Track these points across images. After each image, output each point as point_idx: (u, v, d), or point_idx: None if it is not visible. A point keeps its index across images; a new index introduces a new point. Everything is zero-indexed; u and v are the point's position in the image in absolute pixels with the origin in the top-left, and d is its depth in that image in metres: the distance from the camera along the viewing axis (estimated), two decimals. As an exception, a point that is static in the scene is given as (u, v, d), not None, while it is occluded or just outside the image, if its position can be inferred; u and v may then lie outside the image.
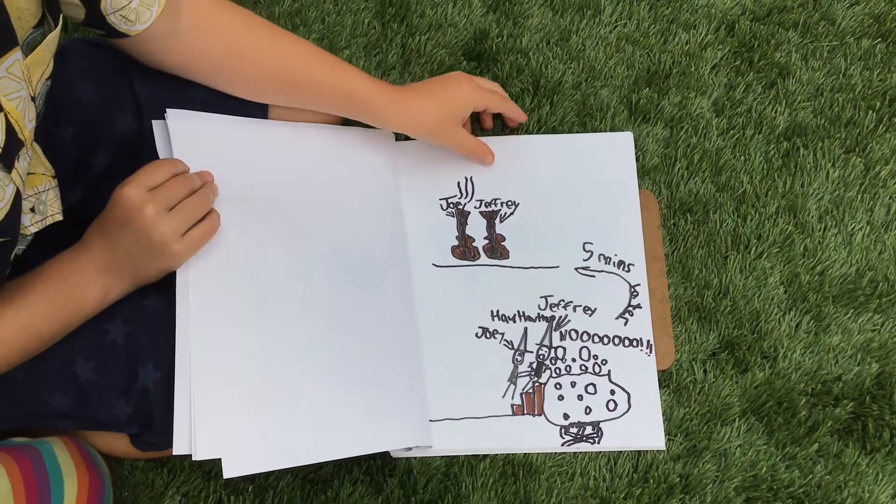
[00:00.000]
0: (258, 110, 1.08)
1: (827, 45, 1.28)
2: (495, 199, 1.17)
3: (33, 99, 0.81)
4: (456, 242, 1.16)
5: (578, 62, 1.27)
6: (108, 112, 1.02)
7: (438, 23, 1.30)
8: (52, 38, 0.82)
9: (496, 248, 1.15)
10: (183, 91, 1.03)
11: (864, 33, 1.28)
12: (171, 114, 1.02)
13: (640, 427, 1.07)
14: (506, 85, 1.25)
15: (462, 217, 1.17)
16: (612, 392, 1.08)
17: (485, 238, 1.16)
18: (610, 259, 1.14)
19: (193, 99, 1.04)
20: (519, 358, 1.10)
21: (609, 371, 1.09)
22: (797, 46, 1.28)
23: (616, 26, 1.30)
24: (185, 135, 1.01)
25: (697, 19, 1.30)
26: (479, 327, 1.11)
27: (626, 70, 1.27)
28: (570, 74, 1.26)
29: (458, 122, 1.12)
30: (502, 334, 1.11)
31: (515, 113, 1.19)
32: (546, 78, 1.26)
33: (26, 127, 0.78)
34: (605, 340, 1.10)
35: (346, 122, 1.17)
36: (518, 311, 1.12)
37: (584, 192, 1.17)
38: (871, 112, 1.23)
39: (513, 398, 1.08)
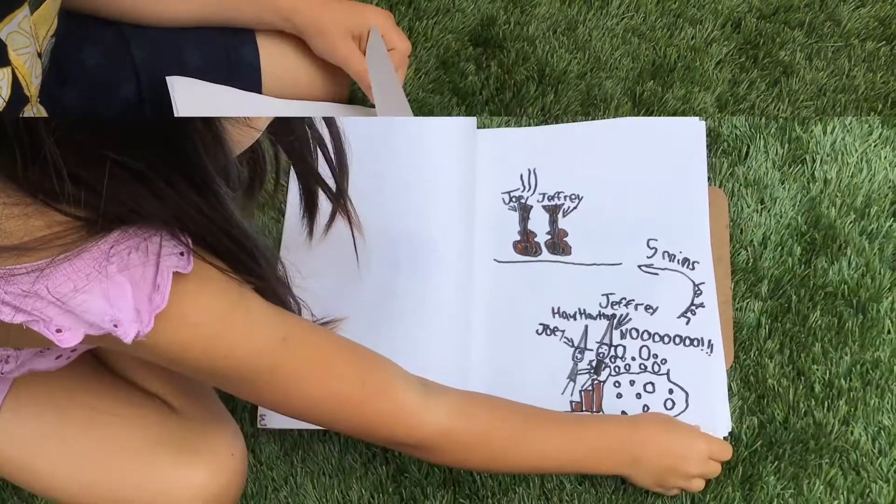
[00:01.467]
0: (251, 77, 1.08)
1: (831, 46, 1.28)
2: (558, 193, 1.15)
3: (39, 55, 0.81)
4: (518, 237, 1.14)
5: (584, 52, 1.27)
6: (112, 76, 1.02)
7: (446, 7, 1.30)
8: None
9: (558, 244, 1.13)
10: (176, 57, 1.03)
11: (869, 36, 1.29)
12: (173, 80, 1.01)
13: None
14: (511, 72, 1.25)
15: (524, 211, 1.15)
16: (671, 391, 1.05)
17: (547, 233, 1.14)
18: (674, 256, 1.10)
19: (187, 66, 1.04)
20: (579, 355, 1.08)
21: (668, 371, 1.06)
22: (802, 46, 1.28)
23: (623, 18, 1.30)
24: (189, 101, 1.01)
25: (704, 14, 1.30)
26: (540, 324, 1.10)
27: (631, 62, 1.27)
28: (575, 64, 1.27)
29: (348, 34, 1.06)
30: (563, 331, 1.09)
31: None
32: (551, 67, 1.26)
33: (33, 83, 0.78)
34: (666, 339, 1.07)
35: (351, 101, 1.18)
36: (579, 309, 1.10)
37: (650, 183, 1.13)
38: (872, 114, 1.23)
39: (572, 395, 1.06)
